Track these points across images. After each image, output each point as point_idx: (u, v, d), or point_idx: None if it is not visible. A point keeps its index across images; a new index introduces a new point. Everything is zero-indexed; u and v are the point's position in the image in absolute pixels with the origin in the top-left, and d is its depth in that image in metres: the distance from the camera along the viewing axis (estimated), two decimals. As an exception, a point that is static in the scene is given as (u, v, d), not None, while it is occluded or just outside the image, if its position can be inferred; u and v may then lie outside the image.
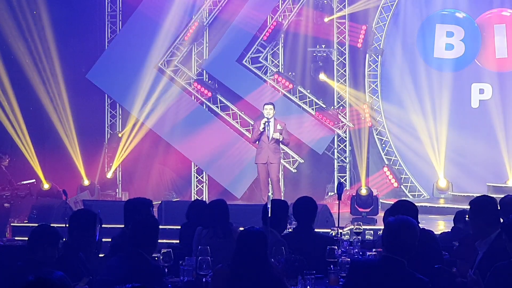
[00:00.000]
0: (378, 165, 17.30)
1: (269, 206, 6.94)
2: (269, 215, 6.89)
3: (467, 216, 6.66)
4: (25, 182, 15.24)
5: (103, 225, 7.29)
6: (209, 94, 17.57)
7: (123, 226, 7.67)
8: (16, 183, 14.83)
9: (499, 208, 6.62)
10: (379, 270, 5.42)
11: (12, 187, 14.55)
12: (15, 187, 14.59)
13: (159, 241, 6.50)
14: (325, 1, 17.51)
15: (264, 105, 14.51)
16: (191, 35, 17.63)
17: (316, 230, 7.81)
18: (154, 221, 6.62)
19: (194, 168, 17.80)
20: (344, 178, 17.30)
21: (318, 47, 17.43)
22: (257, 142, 14.51)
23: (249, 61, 17.51)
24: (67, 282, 3.76)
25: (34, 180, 15.56)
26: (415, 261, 5.49)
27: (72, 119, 16.90)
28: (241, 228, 6.22)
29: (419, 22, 17.14)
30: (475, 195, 11.83)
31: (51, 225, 6.97)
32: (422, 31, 17.10)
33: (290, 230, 8.30)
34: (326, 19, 17.39)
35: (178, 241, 9.01)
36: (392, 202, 7.84)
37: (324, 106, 17.32)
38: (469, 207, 6.55)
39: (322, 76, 17.34)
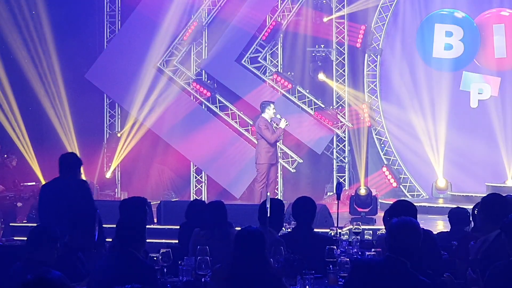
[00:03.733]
0: (377, 165, 17.31)
1: (268, 206, 6.94)
2: (268, 215, 6.89)
3: (475, 210, 6.65)
4: (29, 184, 15.25)
5: (102, 225, 7.30)
6: (208, 94, 17.57)
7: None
8: (20, 184, 14.86)
9: None
10: (381, 270, 5.42)
11: (15, 188, 14.58)
12: (18, 188, 14.63)
13: (158, 241, 6.49)
14: (324, 1, 17.51)
15: (272, 103, 14.65)
16: (190, 35, 17.63)
17: (315, 230, 7.81)
18: (139, 218, 6.53)
19: (193, 168, 17.80)
20: (343, 178, 17.30)
21: (317, 47, 17.43)
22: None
23: (248, 61, 17.51)
24: (65, 282, 3.76)
25: (37, 183, 15.57)
26: (414, 261, 5.49)
27: (71, 119, 16.90)
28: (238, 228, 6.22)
29: (418, 22, 17.15)
30: (474, 195, 11.84)
31: (50, 225, 6.96)
32: (421, 31, 17.11)
33: (289, 230, 8.31)
34: (325, 19, 17.39)
35: (177, 241, 9.00)
36: (391, 202, 7.84)
37: (323, 106, 17.32)
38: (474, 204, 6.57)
39: (321, 76, 17.34)
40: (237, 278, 5.68)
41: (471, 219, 8.50)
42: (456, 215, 9.13)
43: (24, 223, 13.54)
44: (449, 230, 9.06)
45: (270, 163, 14.41)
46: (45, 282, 3.62)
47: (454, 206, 9.96)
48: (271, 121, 14.63)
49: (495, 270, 5.63)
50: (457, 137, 16.76)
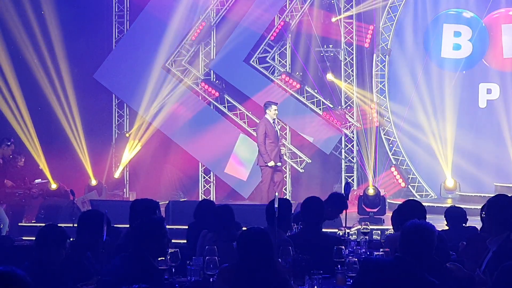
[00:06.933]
0: (386, 165, 17.30)
1: (276, 206, 6.94)
2: (276, 215, 6.89)
3: (483, 213, 6.63)
4: (38, 181, 15.27)
5: (111, 225, 7.30)
6: (217, 94, 17.58)
7: (128, 226, 7.67)
8: (30, 182, 14.88)
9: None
10: (390, 270, 5.41)
11: (25, 186, 14.60)
12: (28, 186, 14.65)
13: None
14: (332, 1, 17.50)
15: (273, 104, 14.63)
16: (199, 35, 17.64)
17: (323, 230, 7.81)
18: (159, 222, 6.35)
19: (201, 168, 17.82)
20: (352, 178, 17.29)
21: (325, 47, 17.43)
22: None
23: (256, 61, 17.52)
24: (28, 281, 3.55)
25: (47, 181, 15.60)
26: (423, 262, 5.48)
27: (80, 119, 16.92)
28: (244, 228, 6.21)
29: (426, 22, 17.14)
30: (483, 195, 11.77)
31: (59, 225, 6.97)
32: (429, 31, 17.09)
33: (297, 230, 8.31)
34: (333, 19, 17.39)
35: (185, 241, 9.01)
36: (400, 202, 7.84)
37: (331, 106, 17.32)
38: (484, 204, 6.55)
39: (330, 76, 17.33)
40: (243, 278, 5.67)
41: (480, 219, 8.48)
42: (452, 214, 9.14)
43: (33, 223, 13.57)
44: (447, 229, 9.02)
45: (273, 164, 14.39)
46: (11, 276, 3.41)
47: (463, 206, 9.96)
48: (273, 122, 14.62)
49: (503, 271, 5.62)
50: (465, 137, 16.74)
